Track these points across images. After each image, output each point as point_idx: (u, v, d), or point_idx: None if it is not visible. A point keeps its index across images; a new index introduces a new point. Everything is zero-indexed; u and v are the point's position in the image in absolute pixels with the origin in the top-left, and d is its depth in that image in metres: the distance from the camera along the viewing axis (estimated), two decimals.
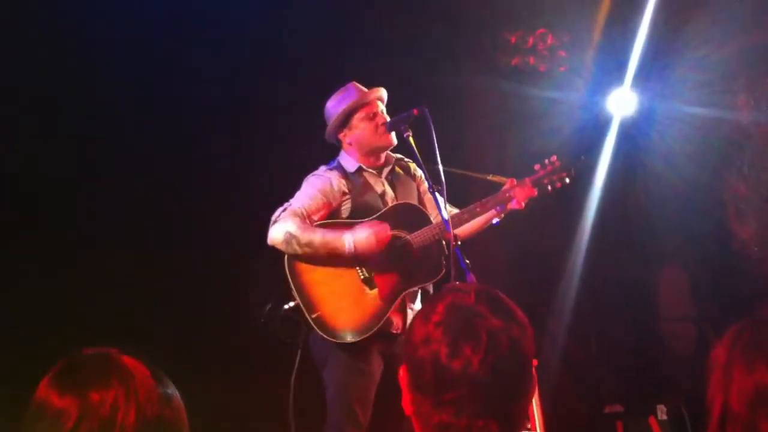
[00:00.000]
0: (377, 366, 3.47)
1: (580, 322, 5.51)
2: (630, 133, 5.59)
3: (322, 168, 3.62)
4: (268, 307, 3.47)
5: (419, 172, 3.72)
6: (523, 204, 3.56)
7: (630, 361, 5.53)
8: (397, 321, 3.47)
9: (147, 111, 4.51)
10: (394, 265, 3.44)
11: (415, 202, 3.67)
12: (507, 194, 3.55)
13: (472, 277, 3.04)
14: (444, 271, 3.44)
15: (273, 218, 3.45)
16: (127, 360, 1.55)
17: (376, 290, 3.42)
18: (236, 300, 4.34)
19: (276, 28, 4.72)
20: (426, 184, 3.60)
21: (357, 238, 3.36)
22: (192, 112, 4.62)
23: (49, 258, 4.28)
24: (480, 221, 3.64)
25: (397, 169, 3.71)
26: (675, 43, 5.29)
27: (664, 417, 4.94)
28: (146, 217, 4.54)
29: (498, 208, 3.58)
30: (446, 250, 3.40)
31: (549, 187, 3.61)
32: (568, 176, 3.62)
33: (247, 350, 4.49)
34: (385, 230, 3.38)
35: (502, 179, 3.62)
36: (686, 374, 5.25)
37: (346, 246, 3.36)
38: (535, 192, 3.58)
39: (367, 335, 3.37)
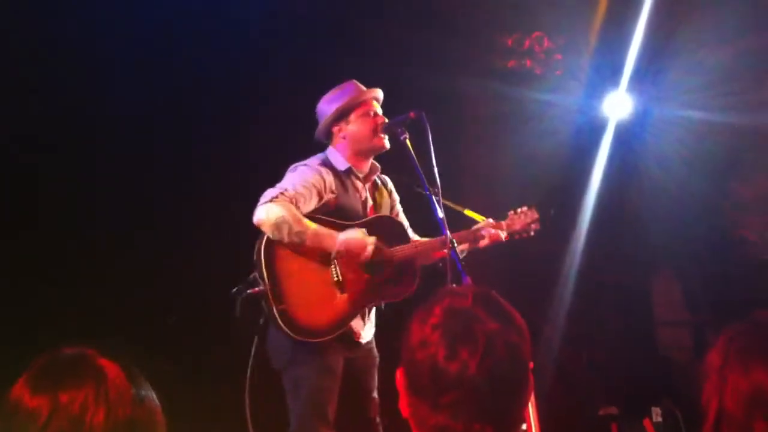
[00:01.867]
0: (341, 366, 3.45)
1: (574, 325, 5.52)
2: (625, 136, 5.61)
3: (315, 161, 3.55)
4: (234, 290, 3.36)
5: (394, 193, 3.78)
6: (490, 245, 3.63)
7: (625, 364, 5.54)
8: (357, 329, 3.47)
9: (147, 109, 4.52)
10: (369, 275, 3.43)
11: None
12: (479, 233, 3.61)
13: (468, 280, 3.04)
14: (413, 291, 3.46)
15: (264, 199, 3.35)
16: (102, 361, 1.57)
17: (346, 295, 3.40)
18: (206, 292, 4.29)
19: (273, 33, 4.73)
20: (398, 205, 3.74)
21: (349, 240, 3.34)
22: (190, 112, 4.63)
23: (43, 257, 4.28)
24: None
25: (378, 181, 3.73)
26: (670, 47, 5.31)
27: (659, 419, 4.95)
28: (141, 217, 4.55)
29: (467, 245, 3.61)
30: (418, 276, 3.48)
31: (516, 236, 3.71)
32: (534, 230, 3.72)
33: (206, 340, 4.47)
34: (370, 247, 3.37)
35: (478, 217, 3.67)
36: (681, 377, 5.27)
37: (337, 245, 3.34)
38: (505, 239, 3.68)
39: (328, 337, 3.35)
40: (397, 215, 3.76)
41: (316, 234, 3.32)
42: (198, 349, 4.50)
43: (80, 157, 4.45)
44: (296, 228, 3.29)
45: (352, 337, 3.45)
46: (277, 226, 3.28)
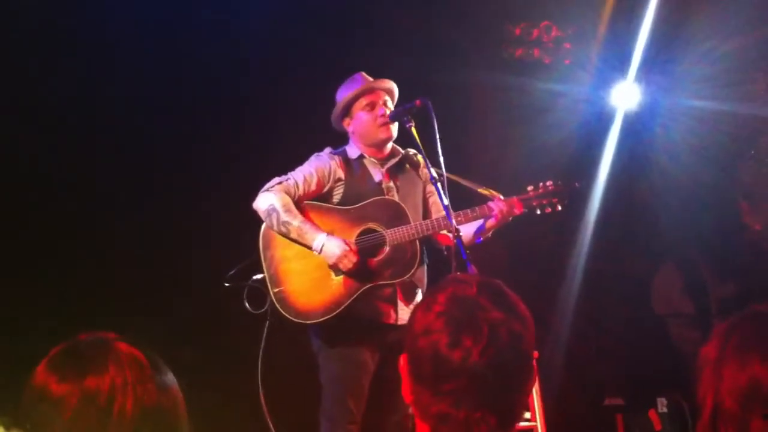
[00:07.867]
0: (371, 357, 3.46)
1: (582, 316, 5.51)
2: (633, 126, 5.59)
3: (327, 150, 3.64)
4: (233, 271, 3.50)
5: (427, 172, 3.63)
6: (503, 221, 3.48)
7: (631, 355, 5.54)
8: (388, 311, 3.48)
9: (150, 98, 4.52)
10: (365, 257, 3.44)
11: (417, 199, 3.66)
12: (491, 209, 3.49)
13: (473, 269, 3.03)
14: (412, 272, 3.45)
15: (266, 186, 3.50)
16: (123, 347, 1.53)
17: (341, 278, 3.43)
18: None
19: (280, 24, 4.72)
20: (432, 184, 3.60)
21: (327, 246, 3.37)
22: (196, 110, 4.64)
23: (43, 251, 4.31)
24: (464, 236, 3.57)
25: (406, 165, 3.70)
26: (679, 37, 5.28)
27: (665, 410, 4.95)
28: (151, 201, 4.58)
29: (480, 223, 3.53)
30: (420, 253, 3.47)
31: (537, 211, 3.56)
32: (560, 203, 3.56)
33: (216, 322, 4.48)
34: (353, 257, 3.37)
35: (492, 193, 3.56)
36: (687, 368, 5.25)
37: (314, 246, 3.39)
38: (522, 210, 3.52)
39: (320, 320, 3.39)
40: (429, 194, 3.68)
41: (300, 228, 3.41)
42: (208, 337, 4.50)
43: (80, 147, 4.47)
44: (283, 218, 3.41)
45: (381, 321, 3.46)
46: (268, 213, 3.44)
